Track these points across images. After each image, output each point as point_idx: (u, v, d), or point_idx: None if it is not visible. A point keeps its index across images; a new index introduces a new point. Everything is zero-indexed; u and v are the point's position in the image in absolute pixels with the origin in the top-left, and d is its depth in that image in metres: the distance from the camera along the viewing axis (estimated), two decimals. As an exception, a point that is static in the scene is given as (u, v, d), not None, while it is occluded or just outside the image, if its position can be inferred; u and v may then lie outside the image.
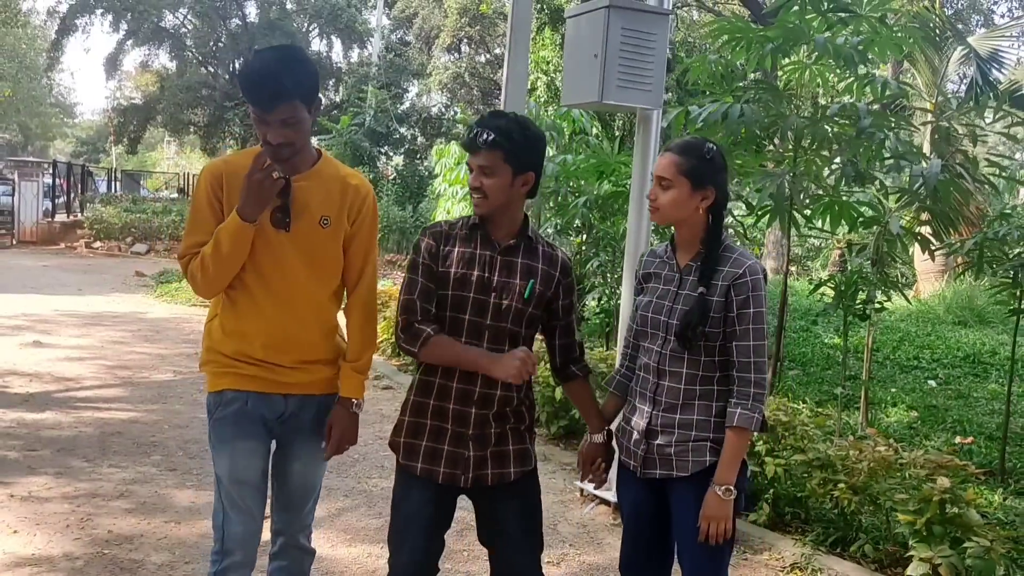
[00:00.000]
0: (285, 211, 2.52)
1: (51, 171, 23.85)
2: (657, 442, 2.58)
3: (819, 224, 6.00)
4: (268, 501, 2.75)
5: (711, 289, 2.51)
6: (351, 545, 4.35)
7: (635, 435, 2.63)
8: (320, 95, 2.58)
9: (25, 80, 37.20)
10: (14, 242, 20.33)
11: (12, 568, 3.80)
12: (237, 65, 28.59)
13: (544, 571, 3.53)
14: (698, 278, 2.54)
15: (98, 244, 20.54)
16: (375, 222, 2.75)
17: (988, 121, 8.09)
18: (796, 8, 5.68)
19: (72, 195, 24.37)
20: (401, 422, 2.68)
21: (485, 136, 2.51)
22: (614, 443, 2.80)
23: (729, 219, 7.34)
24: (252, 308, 2.58)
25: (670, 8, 4.74)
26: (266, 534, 2.77)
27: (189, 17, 30.51)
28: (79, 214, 23.22)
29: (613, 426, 2.82)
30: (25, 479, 4.92)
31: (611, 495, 4.66)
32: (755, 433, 2.52)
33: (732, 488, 2.47)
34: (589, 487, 4.94)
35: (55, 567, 3.84)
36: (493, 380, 2.55)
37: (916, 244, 5.93)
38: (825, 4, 5.67)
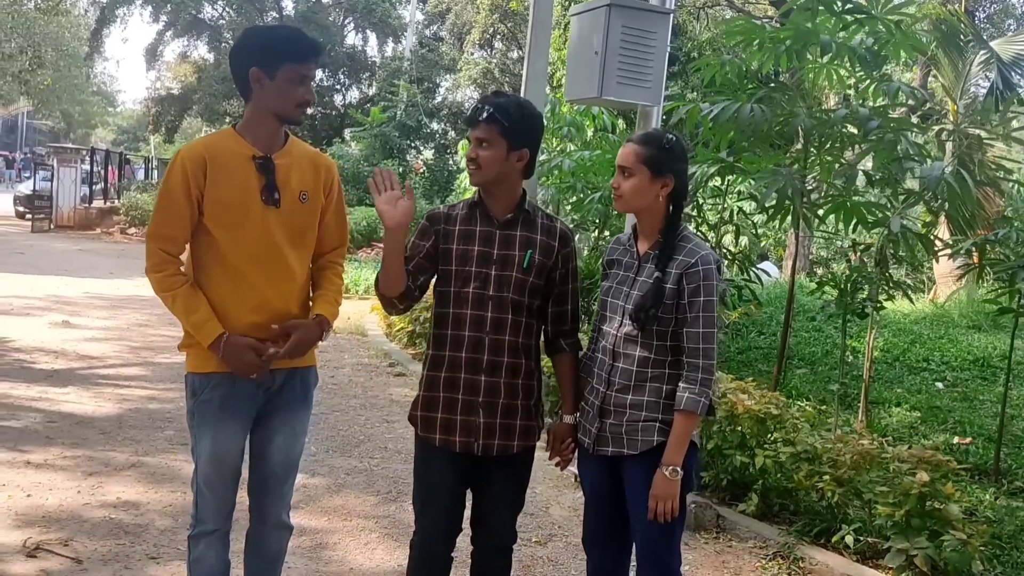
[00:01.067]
0: (272, 188, 2.66)
1: (90, 158, 24.34)
2: (609, 421, 2.71)
3: (833, 224, 6.06)
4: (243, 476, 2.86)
5: (666, 276, 2.64)
6: (346, 519, 4.52)
7: (590, 413, 2.77)
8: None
9: (67, 68, 37.95)
10: (52, 226, 20.80)
11: (22, 527, 4.01)
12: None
13: (530, 549, 3.67)
14: (655, 264, 2.67)
15: (133, 230, 20.95)
16: (343, 196, 2.92)
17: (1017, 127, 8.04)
18: (808, 10, 5.74)
19: (109, 182, 24.87)
20: (418, 397, 2.87)
21: (485, 111, 2.69)
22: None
23: (742, 217, 7.41)
24: (239, 286, 2.67)
25: (671, 7, 4.84)
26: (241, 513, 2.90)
27: (227, 9, 30.97)
28: (116, 201, 23.70)
29: None
30: (42, 448, 5.15)
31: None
32: (701, 416, 2.64)
33: (678, 469, 2.59)
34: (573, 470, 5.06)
35: (63, 527, 4.05)
36: (499, 348, 2.72)
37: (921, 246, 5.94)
38: (838, 5, 5.72)
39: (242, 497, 2.88)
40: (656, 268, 2.66)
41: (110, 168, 25.87)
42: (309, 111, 2.75)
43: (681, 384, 2.62)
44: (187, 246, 2.71)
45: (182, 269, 2.70)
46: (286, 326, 2.69)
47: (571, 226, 8.70)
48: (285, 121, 2.70)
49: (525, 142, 2.74)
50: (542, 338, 2.93)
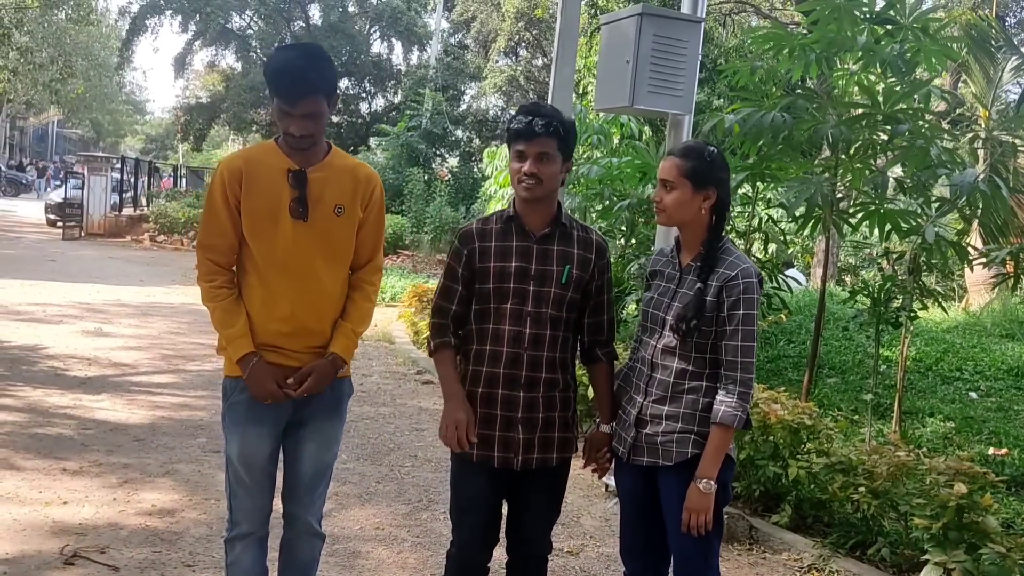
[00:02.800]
0: (302, 202, 2.69)
1: (119, 166, 24.62)
2: (645, 431, 2.71)
3: (864, 232, 6.00)
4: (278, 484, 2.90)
5: (707, 287, 2.63)
6: (379, 528, 4.53)
7: (627, 423, 2.77)
8: (337, 91, 2.77)
9: (97, 78, 38.47)
10: (82, 234, 21.03)
11: (59, 535, 4.06)
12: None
13: (562, 560, 3.65)
14: (697, 276, 2.66)
15: (162, 238, 21.17)
16: (383, 209, 2.92)
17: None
18: (836, 19, 5.70)
19: (138, 190, 25.13)
20: None
21: (543, 123, 2.65)
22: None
23: (772, 227, 7.37)
24: (270, 298, 2.71)
25: (702, 16, 4.83)
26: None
27: (255, 19, 31.27)
28: (145, 208, 23.95)
29: None
30: (77, 455, 5.21)
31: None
32: (738, 430, 2.63)
33: (712, 482, 2.58)
34: (613, 482, 5.05)
35: (99, 535, 4.09)
36: (537, 363, 2.72)
37: (954, 254, 5.88)
38: (864, 14, 5.68)
39: (278, 504, 2.91)
40: (698, 279, 2.65)
41: (140, 176, 26.11)
42: (335, 119, 2.76)
43: (718, 397, 2.61)
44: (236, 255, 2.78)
45: (232, 280, 2.76)
46: (304, 371, 2.74)
47: (597, 234, 8.76)
48: (291, 146, 2.71)
49: (571, 153, 2.76)
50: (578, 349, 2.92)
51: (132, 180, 24.88)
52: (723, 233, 2.72)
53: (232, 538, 2.85)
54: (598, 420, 2.95)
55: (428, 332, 2.86)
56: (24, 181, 40.86)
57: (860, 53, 5.55)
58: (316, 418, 2.85)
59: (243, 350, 2.69)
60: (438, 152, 24.43)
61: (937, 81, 16.59)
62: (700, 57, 4.83)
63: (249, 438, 2.77)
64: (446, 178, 23.09)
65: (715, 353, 2.65)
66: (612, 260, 8.66)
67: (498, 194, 12.09)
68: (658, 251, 2.96)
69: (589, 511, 5.01)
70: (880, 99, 5.65)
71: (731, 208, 3.42)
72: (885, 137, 5.92)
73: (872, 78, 6.05)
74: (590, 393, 5.88)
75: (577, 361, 2.94)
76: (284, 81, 2.58)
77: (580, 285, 2.77)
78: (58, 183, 31.11)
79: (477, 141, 25.78)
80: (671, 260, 2.81)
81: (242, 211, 2.69)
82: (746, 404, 2.60)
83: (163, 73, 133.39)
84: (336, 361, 2.80)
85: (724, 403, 2.59)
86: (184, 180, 32.70)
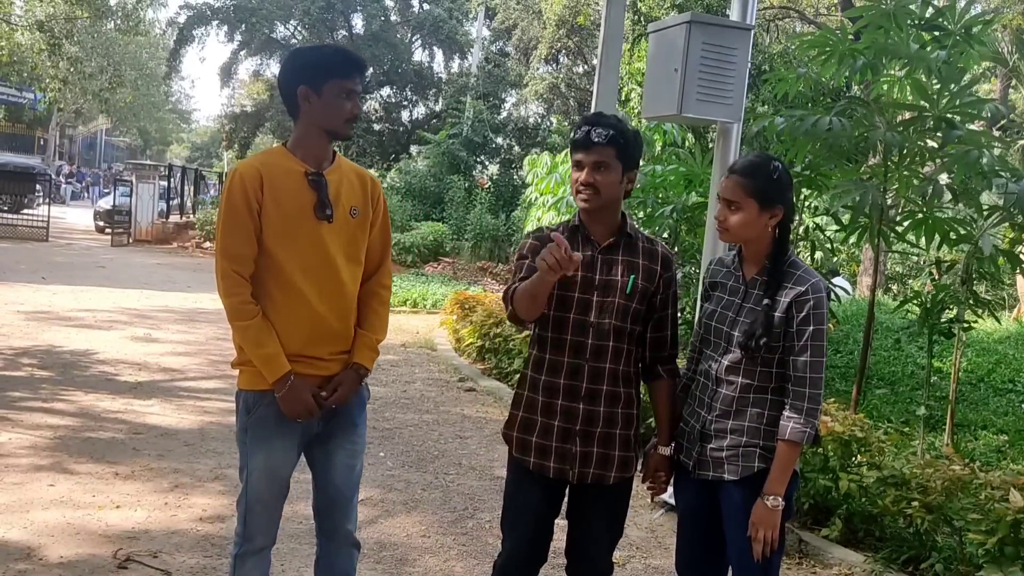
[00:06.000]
0: (325, 204, 2.71)
1: (166, 174, 25.06)
2: (710, 446, 2.68)
3: (914, 241, 5.90)
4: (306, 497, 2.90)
5: (775, 303, 2.59)
6: (425, 536, 4.54)
7: (691, 436, 2.74)
8: None
9: (145, 87, 39.18)
10: (131, 240, 21.44)
11: (113, 539, 4.13)
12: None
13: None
14: (764, 292, 2.62)
15: (208, 244, 21.48)
16: (387, 211, 2.96)
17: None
18: (880, 27, 5.63)
19: (185, 197, 25.56)
20: (514, 416, 2.82)
21: (601, 133, 2.63)
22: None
23: (819, 235, 7.27)
24: (297, 304, 2.70)
25: (752, 23, 4.80)
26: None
27: (299, 29, 31.62)
28: (191, 215, 24.35)
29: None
30: (129, 460, 5.30)
31: (680, 502, 4.73)
32: (806, 447, 2.59)
33: (780, 499, 2.54)
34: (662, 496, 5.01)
35: (152, 540, 4.15)
36: (599, 375, 2.68)
37: (1006, 263, 5.76)
38: (912, 20, 5.60)
39: (302, 518, 2.88)
40: (765, 295, 2.61)
41: (186, 184, 26.54)
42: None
43: (786, 413, 2.57)
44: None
45: (252, 294, 2.70)
46: (334, 383, 2.75)
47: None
48: (334, 136, 2.76)
49: (635, 163, 2.73)
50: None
51: (179, 187, 25.29)
52: (788, 247, 2.67)
53: (243, 553, 2.81)
54: (656, 440, 2.90)
55: (504, 300, 2.72)
56: (74, 189, 41.72)
57: (906, 60, 5.46)
58: (343, 427, 2.85)
59: (281, 370, 2.66)
60: (479, 159, 24.50)
61: (987, 87, 16.31)
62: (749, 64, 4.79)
63: (275, 452, 2.76)
64: (486, 185, 23.17)
65: (781, 368, 2.61)
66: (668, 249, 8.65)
67: (539, 201, 12.08)
68: (716, 260, 2.90)
69: (635, 522, 4.97)
70: (934, 99, 5.55)
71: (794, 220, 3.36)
72: (935, 144, 5.82)
73: (923, 80, 5.96)
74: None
75: None
76: (348, 55, 2.72)
77: (645, 296, 2.74)
78: (106, 191, 31.72)
79: (517, 148, 25.79)
80: (733, 272, 2.76)
81: (264, 215, 2.66)
82: (814, 420, 2.55)
83: (209, 82, 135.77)
84: (361, 371, 2.81)
85: (792, 419, 2.55)
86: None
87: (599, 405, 2.70)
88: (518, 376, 2.93)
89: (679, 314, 8.72)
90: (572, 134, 2.74)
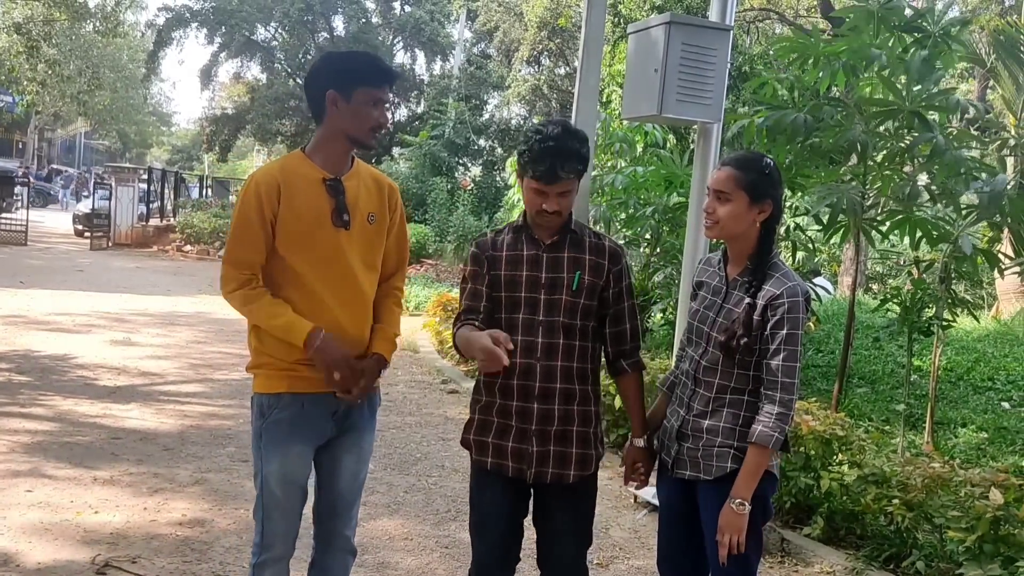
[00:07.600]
0: (342, 211, 2.69)
1: (146, 177, 24.87)
2: (687, 445, 2.69)
3: (894, 240, 5.94)
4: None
5: (755, 304, 2.58)
6: (407, 538, 4.52)
7: (670, 435, 2.75)
8: None
9: (123, 90, 38.89)
10: (110, 244, 21.25)
11: (91, 544, 4.08)
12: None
13: (591, 572, 3.61)
14: (744, 292, 2.62)
15: (188, 248, 21.34)
16: (405, 216, 2.94)
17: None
18: (857, 30, 5.67)
19: (165, 200, 25.38)
20: (471, 420, 2.83)
21: (568, 168, 2.60)
22: (656, 444, 2.89)
23: (799, 235, 7.31)
24: (314, 309, 2.67)
25: (731, 24, 4.81)
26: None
27: (279, 31, 31.48)
28: (172, 219, 24.18)
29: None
30: (108, 464, 5.25)
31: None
32: (774, 451, 2.58)
33: (746, 503, 2.53)
34: (642, 493, 5.02)
35: (131, 544, 4.12)
36: (551, 374, 2.67)
37: (985, 262, 5.80)
38: (894, 22, 5.64)
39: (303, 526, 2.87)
40: (745, 295, 2.61)
41: (166, 187, 26.36)
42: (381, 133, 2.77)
43: (758, 416, 2.57)
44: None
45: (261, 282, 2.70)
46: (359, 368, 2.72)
47: (623, 243, 8.73)
48: (357, 144, 2.73)
49: (584, 173, 2.71)
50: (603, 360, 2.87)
51: (159, 191, 25.11)
52: (773, 247, 2.67)
53: (262, 563, 2.76)
54: (631, 435, 2.90)
55: (453, 326, 2.76)
56: (51, 192, 41.31)
57: (880, 63, 5.49)
58: (353, 431, 2.83)
59: (306, 328, 2.60)
60: (461, 161, 24.46)
61: (964, 87, 16.45)
62: (729, 65, 4.81)
63: (291, 457, 2.72)
64: (469, 187, 23.13)
65: (759, 370, 2.60)
66: (637, 269, 8.63)
67: (521, 203, 12.08)
68: (704, 260, 2.90)
69: (618, 523, 4.97)
70: (904, 95, 5.59)
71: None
72: (908, 141, 5.86)
73: (904, 80, 6.00)
74: (617, 403, 5.91)
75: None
76: (380, 64, 2.71)
77: (594, 292, 2.72)
78: (85, 194, 31.44)
79: (500, 150, 25.76)
80: (717, 272, 2.76)
81: (281, 224, 2.64)
82: (784, 425, 2.54)
83: (189, 85, 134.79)
84: (381, 361, 2.78)
85: (762, 423, 2.54)
86: (210, 191, 32.98)
87: (553, 403, 2.68)
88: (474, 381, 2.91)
89: (661, 315, 8.73)
90: (526, 153, 2.63)
